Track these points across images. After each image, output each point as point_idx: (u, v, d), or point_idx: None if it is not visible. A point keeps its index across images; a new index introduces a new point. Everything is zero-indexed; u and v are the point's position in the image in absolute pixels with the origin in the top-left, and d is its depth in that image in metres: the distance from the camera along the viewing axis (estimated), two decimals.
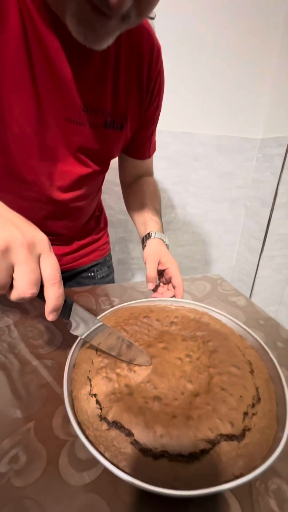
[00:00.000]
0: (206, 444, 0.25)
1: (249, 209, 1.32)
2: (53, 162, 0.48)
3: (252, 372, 0.33)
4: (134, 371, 0.33)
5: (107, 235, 0.76)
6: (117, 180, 0.72)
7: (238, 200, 1.34)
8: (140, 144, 0.61)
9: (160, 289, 0.56)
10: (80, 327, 0.32)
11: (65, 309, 0.31)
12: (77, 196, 0.55)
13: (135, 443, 0.25)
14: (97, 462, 0.27)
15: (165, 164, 1.16)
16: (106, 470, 0.26)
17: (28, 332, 0.46)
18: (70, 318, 0.32)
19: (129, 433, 0.25)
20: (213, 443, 0.25)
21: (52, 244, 0.63)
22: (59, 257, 0.64)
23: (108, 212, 1.05)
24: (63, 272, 0.68)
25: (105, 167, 0.58)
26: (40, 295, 0.28)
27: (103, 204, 0.77)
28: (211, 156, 1.20)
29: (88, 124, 0.47)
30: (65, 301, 0.31)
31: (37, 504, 0.24)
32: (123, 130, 0.52)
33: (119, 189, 0.74)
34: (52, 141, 0.46)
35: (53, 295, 0.28)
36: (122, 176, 0.70)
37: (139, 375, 0.32)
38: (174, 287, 0.53)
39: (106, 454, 0.24)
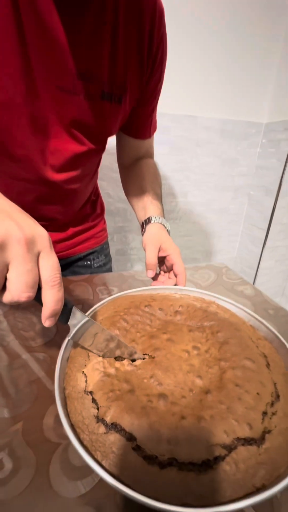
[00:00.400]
0: (221, 450, 0.21)
1: (253, 198, 1.27)
2: (45, 137, 0.43)
3: (268, 365, 0.30)
4: (136, 365, 0.29)
5: (104, 222, 0.72)
6: (115, 166, 0.67)
7: (241, 188, 1.29)
8: (140, 122, 0.56)
9: (160, 278, 0.52)
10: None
11: (64, 313, 0.27)
12: (71, 178, 0.50)
13: (137, 449, 0.21)
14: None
15: (166, 149, 1.10)
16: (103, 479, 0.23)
17: (18, 323, 0.42)
18: (69, 323, 0.28)
19: (130, 437, 0.22)
20: (229, 448, 0.21)
21: (47, 230, 0.60)
22: (54, 244, 0.59)
23: (106, 200, 1.00)
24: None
25: (101, 146, 0.53)
26: (37, 298, 0.24)
27: (100, 191, 0.73)
28: (215, 141, 1.14)
29: (83, 95, 0.42)
30: (65, 305, 0.27)
31: None
32: (121, 103, 0.47)
33: (117, 175, 0.69)
34: (43, 112, 0.41)
35: (52, 298, 0.24)
36: (120, 158, 0.65)
37: (141, 369, 0.29)
38: (176, 275, 0.49)
39: (103, 463, 0.21)
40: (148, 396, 0.25)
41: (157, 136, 0.66)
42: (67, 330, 0.29)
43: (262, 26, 1.04)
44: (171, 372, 0.28)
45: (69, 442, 0.25)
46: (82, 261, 0.67)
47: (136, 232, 1.23)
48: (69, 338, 0.29)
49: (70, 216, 0.59)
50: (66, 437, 0.26)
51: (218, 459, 0.21)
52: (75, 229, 0.62)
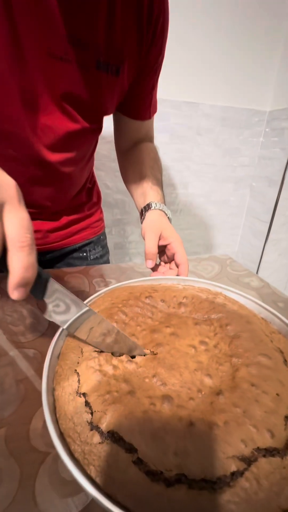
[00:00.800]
0: (239, 463, 0.18)
1: (255, 189, 1.24)
2: (34, 112, 0.39)
3: (285, 362, 0.26)
4: (136, 363, 0.26)
5: (101, 212, 0.68)
6: (114, 155, 0.63)
7: (243, 180, 1.25)
8: (139, 101, 0.52)
9: (160, 269, 0.49)
10: (59, 312, 0.25)
11: (38, 286, 0.23)
12: (64, 160, 0.46)
13: (139, 463, 0.18)
14: None
15: (165, 138, 1.06)
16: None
17: (7, 316, 0.39)
18: (44, 298, 0.24)
19: (130, 449, 0.18)
20: (248, 461, 0.18)
21: (38, 219, 0.55)
22: (46, 233, 0.56)
23: (103, 191, 0.96)
24: (51, 251, 0.60)
25: (96, 125, 0.49)
26: (3, 264, 0.20)
27: (98, 181, 0.69)
28: (216, 130, 1.10)
29: (75, 62, 0.38)
30: (39, 275, 0.23)
31: None
32: (119, 75, 0.43)
33: (115, 165, 0.65)
34: (31, 83, 0.37)
35: (20, 264, 0.20)
36: (118, 142, 0.61)
37: (142, 367, 0.25)
38: (177, 266, 0.45)
39: (97, 480, 0.17)
40: (151, 398, 0.22)
41: (156, 123, 0.62)
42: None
43: (266, 12, 1.00)
44: (176, 371, 0.25)
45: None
46: (77, 252, 0.64)
47: (135, 224, 1.19)
48: (64, 328, 0.25)
49: (63, 204, 0.55)
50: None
51: (235, 475, 0.17)
52: (69, 217, 0.58)
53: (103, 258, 0.70)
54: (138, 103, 0.52)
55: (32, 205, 0.50)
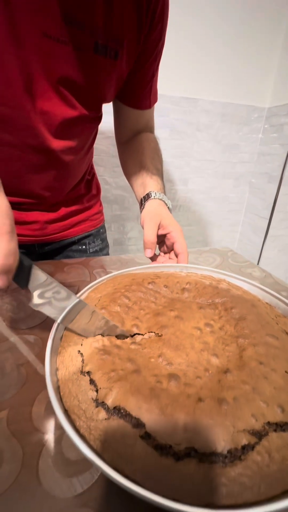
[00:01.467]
0: (250, 437, 0.17)
1: (254, 186, 1.24)
2: (32, 96, 0.39)
3: None
4: (140, 344, 0.25)
5: (100, 204, 0.67)
6: (112, 151, 0.63)
7: (243, 176, 1.25)
8: (139, 89, 0.51)
9: (160, 259, 0.48)
10: (45, 302, 0.24)
11: (21, 273, 0.23)
12: (62, 148, 0.46)
13: (147, 437, 0.17)
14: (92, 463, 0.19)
15: (165, 133, 1.06)
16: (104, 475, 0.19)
17: (6, 305, 0.38)
18: (28, 287, 0.24)
19: (137, 424, 0.18)
20: (259, 435, 0.17)
21: (36, 210, 0.55)
22: (44, 224, 0.55)
23: (103, 187, 0.95)
24: (49, 243, 0.59)
25: (95, 113, 0.48)
26: None
27: (98, 176, 0.68)
28: (216, 126, 1.10)
29: (72, 44, 0.37)
30: (21, 263, 0.22)
31: None
32: (117, 59, 0.42)
33: (115, 160, 0.65)
34: (29, 65, 0.36)
35: (0, 251, 0.20)
36: (118, 132, 0.60)
37: (146, 348, 0.25)
38: (177, 255, 0.45)
39: (104, 455, 0.17)
40: (157, 377, 0.21)
41: (155, 119, 0.61)
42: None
43: (265, 8, 1.00)
44: (182, 351, 0.24)
45: (62, 433, 0.21)
46: (76, 245, 0.63)
47: (134, 220, 1.18)
48: (58, 322, 0.25)
49: (62, 195, 0.55)
50: (59, 427, 0.22)
51: (246, 449, 0.17)
52: (67, 209, 0.57)
53: (103, 251, 0.69)
54: (138, 92, 0.51)
55: (30, 195, 0.50)
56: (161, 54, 0.49)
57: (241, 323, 0.27)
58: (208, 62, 1.00)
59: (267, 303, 0.33)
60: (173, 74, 0.97)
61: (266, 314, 0.29)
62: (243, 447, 0.17)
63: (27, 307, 0.38)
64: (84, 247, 0.64)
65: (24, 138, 0.41)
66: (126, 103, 0.53)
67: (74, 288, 0.44)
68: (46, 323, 0.35)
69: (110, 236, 1.19)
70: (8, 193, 0.23)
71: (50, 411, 0.23)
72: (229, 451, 0.16)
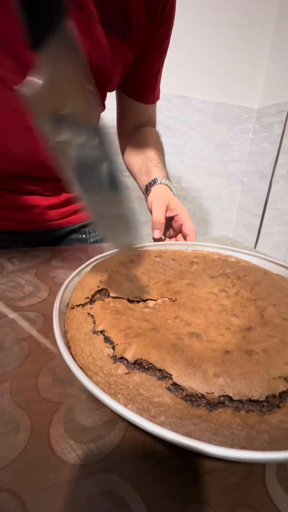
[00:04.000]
0: (287, 384, 0.16)
1: (246, 184, 1.26)
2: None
3: None
4: (154, 308, 0.24)
5: None
6: (113, 148, 0.63)
7: (235, 175, 1.27)
8: (144, 83, 0.52)
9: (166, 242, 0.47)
10: None
11: None
12: None
13: (175, 389, 0.15)
14: (112, 427, 0.17)
15: (159, 130, 1.06)
16: (126, 439, 0.17)
17: (2, 285, 0.36)
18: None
19: (163, 376, 0.16)
20: None
21: (36, 193, 0.53)
22: (44, 209, 0.53)
23: None
24: (48, 231, 0.57)
25: (99, 94, 0.47)
26: None
27: None
28: (208, 125, 1.12)
29: (85, 12, 0.36)
30: None
31: (15, 498, 0.14)
32: (125, 41, 0.42)
33: (114, 157, 0.64)
34: None
35: None
36: (121, 125, 0.60)
37: (161, 311, 0.23)
38: (185, 237, 0.44)
39: (129, 407, 0.15)
40: (177, 335, 0.20)
41: None
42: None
43: (253, 15, 1.04)
44: (200, 313, 0.23)
45: (76, 400, 0.19)
46: (76, 233, 0.61)
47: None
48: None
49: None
50: (71, 395, 0.20)
51: (284, 396, 0.15)
52: (68, 195, 0.56)
53: (104, 241, 0.67)
54: (142, 85, 0.52)
55: (33, 164, 0.46)
56: (166, 53, 0.50)
57: (256, 287, 0.26)
58: (200, 62, 1.02)
59: (277, 274, 0.33)
60: (167, 72, 0.99)
61: (280, 281, 0.28)
62: (281, 395, 0.15)
63: (25, 287, 0.36)
64: (84, 236, 0.62)
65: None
66: (131, 96, 0.53)
67: (73, 271, 0.42)
68: (46, 300, 0.33)
69: None
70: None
71: (59, 382, 0.21)
72: (266, 398, 0.15)
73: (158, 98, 0.57)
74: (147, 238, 0.57)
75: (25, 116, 0.40)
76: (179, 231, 0.45)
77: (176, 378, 0.15)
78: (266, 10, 1.04)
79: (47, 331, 0.27)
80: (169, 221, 0.47)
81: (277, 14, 1.07)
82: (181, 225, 0.44)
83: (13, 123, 0.40)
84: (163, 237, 0.47)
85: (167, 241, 0.49)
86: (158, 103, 1.02)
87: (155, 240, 0.44)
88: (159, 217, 0.43)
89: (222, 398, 0.15)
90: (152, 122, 0.61)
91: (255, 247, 1.24)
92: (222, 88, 1.09)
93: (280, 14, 1.06)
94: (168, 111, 1.04)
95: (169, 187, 0.49)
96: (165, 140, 1.13)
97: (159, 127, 1.09)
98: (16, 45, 0.34)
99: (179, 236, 0.48)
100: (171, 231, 0.48)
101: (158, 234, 0.43)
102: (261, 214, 1.18)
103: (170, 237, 0.49)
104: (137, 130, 0.58)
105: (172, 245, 0.39)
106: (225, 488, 0.15)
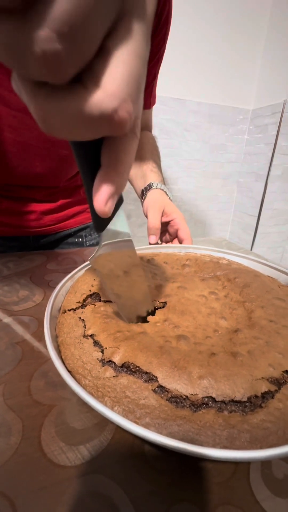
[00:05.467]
0: (269, 385, 0.16)
1: (242, 185, 1.26)
2: None
3: None
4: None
5: None
6: None
7: (231, 176, 1.28)
8: None
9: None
10: None
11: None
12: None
13: (160, 391, 0.16)
14: (102, 429, 0.18)
15: (154, 132, 1.07)
16: (116, 440, 0.17)
17: None
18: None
19: (149, 378, 0.16)
20: (278, 383, 0.16)
21: (32, 200, 0.53)
22: (40, 215, 0.53)
23: None
24: (45, 235, 0.58)
25: None
26: None
27: None
28: (203, 126, 1.13)
29: None
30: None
31: (6, 500, 0.14)
32: None
33: None
34: None
35: None
36: None
37: (151, 317, 0.24)
38: (181, 241, 0.45)
39: (116, 410, 0.15)
40: (165, 337, 0.20)
41: None
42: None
43: (247, 15, 1.05)
44: (189, 315, 0.23)
45: (67, 403, 0.20)
46: (72, 237, 0.61)
47: (131, 220, 1.18)
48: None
49: (62, 180, 0.53)
50: (63, 398, 0.20)
51: (266, 397, 0.16)
52: (64, 200, 0.56)
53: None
54: None
55: (29, 175, 0.46)
56: (162, 59, 0.51)
57: (246, 290, 0.27)
58: (195, 64, 1.03)
59: (268, 276, 0.33)
60: (162, 74, 0.99)
61: (269, 283, 0.29)
62: (263, 395, 0.16)
63: (20, 291, 0.36)
64: (80, 239, 0.63)
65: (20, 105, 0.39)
66: None
67: (67, 275, 0.43)
68: (41, 305, 0.33)
69: None
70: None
71: (51, 386, 0.21)
72: (249, 399, 0.15)
73: (154, 103, 0.58)
74: (142, 240, 0.58)
75: (21, 132, 0.41)
76: (175, 236, 0.46)
77: (162, 381, 0.16)
78: (260, 13, 1.06)
79: (41, 335, 0.27)
80: (165, 226, 0.48)
81: (270, 16, 1.08)
82: (177, 230, 0.45)
83: (10, 139, 0.41)
84: (159, 242, 0.48)
85: (163, 245, 0.49)
86: (154, 105, 1.03)
87: (151, 245, 0.44)
88: (155, 222, 0.43)
89: (206, 399, 0.15)
90: (148, 127, 0.62)
91: (251, 248, 1.25)
92: (217, 90, 1.10)
93: (273, 15, 1.07)
94: (164, 113, 1.05)
95: (165, 191, 0.50)
96: (160, 142, 1.13)
97: (155, 130, 1.10)
98: None
99: (175, 241, 0.49)
100: (167, 236, 0.49)
101: (154, 239, 0.44)
102: (257, 215, 1.19)
103: (166, 242, 0.49)
104: None
105: (165, 248, 0.40)
106: (211, 487, 0.15)
